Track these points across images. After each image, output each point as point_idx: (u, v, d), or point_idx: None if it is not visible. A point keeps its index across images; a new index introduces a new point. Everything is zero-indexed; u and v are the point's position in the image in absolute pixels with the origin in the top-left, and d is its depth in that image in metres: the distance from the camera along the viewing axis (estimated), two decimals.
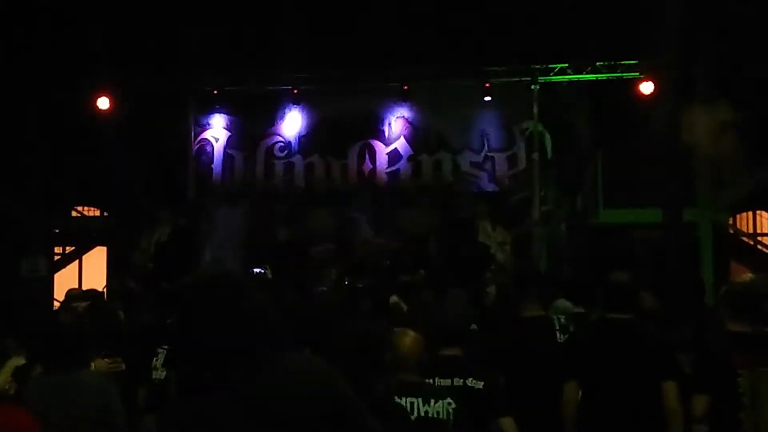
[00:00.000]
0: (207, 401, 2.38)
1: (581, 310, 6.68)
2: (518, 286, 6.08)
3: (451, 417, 4.04)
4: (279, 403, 2.37)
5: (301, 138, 14.23)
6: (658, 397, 4.82)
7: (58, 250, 15.17)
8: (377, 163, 14.05)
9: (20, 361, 5.29)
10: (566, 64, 12.96)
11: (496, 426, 4.47)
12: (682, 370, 4.95)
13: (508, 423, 4.52)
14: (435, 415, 4.02)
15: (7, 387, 5.03)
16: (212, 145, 14.31)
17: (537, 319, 5.77)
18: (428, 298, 5.99)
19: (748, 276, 5.59)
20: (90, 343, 4.85)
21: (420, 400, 4.04)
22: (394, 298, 8.50)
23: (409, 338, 4.22)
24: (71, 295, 7.34)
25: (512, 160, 13.81)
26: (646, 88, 12.45)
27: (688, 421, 4.77)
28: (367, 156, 14.07)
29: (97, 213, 15.28)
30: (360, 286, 11.54)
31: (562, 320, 5.97)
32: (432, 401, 4.04)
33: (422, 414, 4.02)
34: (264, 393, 2.37)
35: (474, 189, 13.85)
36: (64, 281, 14.31)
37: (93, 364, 5.41)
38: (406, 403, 4.01)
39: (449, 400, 4.08)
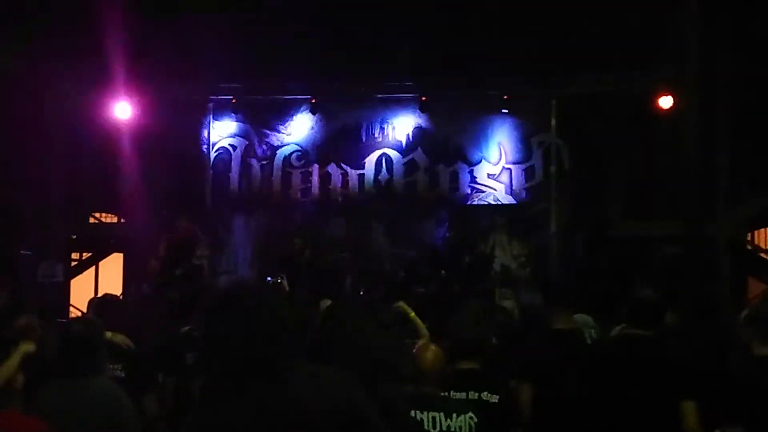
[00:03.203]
0: (226, 411, 2.39)
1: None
2: (550, 299, 6.01)
3: (473, 431, 4.02)
4: (297, 414, 2.38)
5: (319, 147, 14.26)
6: (677, 416, 4.77)
7: (75, 256, 15.22)
8: (394, 174, 14.05)
9: (30, 346, 5.25)
10: (585, 77, 12.92)
11: None
12: (702, 390, 4.88)
13: None
14: (457, 430, 4.01)
15: (14, 378, 4.97)
16: (230, 154, 14.34)
17: (569, 332, 5.72)
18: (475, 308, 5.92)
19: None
20: (103, 351, 4.85)
21: (442, 414, 4.02)
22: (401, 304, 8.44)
23: (431, 352, 4.22)
24: (93, 303, 7.34)
25: (530, 173, 13.78)
26: (665, 101, 12.41)
27: None
28: (384, 166, 14.07)
29: (115, 220, 15.34)
30: (375, 296, 11.56)
31: (593, 333, 5.95)
32: (454, 416, 4.03)
33: (444, 428, 4.00)
34: (283, 403, 2.38)
35: (491, 201, 13.82)
36: (80, 287, 14.37)
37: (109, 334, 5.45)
38: (428, 417, 4.00)
39: (471, 414, 4.06)
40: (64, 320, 8.32)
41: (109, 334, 5.50)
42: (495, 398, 4.55)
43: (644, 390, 4.86)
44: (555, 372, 5.38)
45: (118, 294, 12.80)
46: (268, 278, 11.64)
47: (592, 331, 6.03)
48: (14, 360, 5.01)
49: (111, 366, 5.53)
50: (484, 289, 11.76)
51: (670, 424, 4.78)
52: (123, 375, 5.58)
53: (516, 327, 7.48)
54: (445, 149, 14.06)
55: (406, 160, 14.03)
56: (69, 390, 4.37)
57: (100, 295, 8.06)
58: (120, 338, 5.72)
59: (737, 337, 4.94)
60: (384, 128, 14.17)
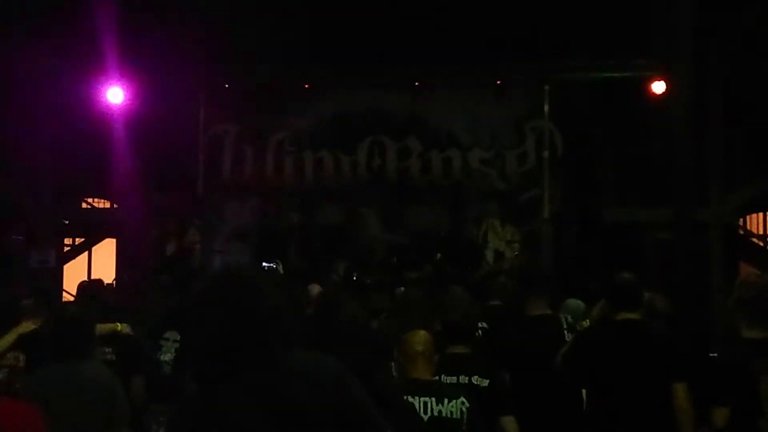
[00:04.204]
0: (218, 397, 2.39)
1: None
2: (525, 285, 6.07)
3: (465, 417, 4.01)
4: (289, 401, 2.38)
5: (312, 133, 14.24)
6: (668, 398, 4.80)
7: (67, 241, 15.20)
8: (387, 159, 14.03)
9: (30, 326, 5.27)
10: (578, 62, 12.92)
11: (498, 424, 4.46)
12: (692, 371, 4.92)
13: (509, 422, 4.51)
14: (448, 415, 4.00)
15: (11, 358, 4.99)
16: (222, 139, 14.31)
17: (544, 318, 5.77)
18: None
19: (755, 275, 5.55)
20: (95, 335, 4.87)
21: (433, 399, 4.01)
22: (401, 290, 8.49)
23: (420, 337, 4.21)
24: (83, 286, 7.36)
25: (522, 158, 13.77)
26: (658, 87, 12.41)
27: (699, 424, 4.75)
28: (376, 152, 14.05)
29: (107, 205, 15.31)
30: (368, 282, 11.60)
31: (569, 319, 5.98)
32: (446, 401, 4.01)
33: (435, 414, 3.99)
34: (275, 391, 2.38)
35: (483, 186, 13.82)
36: (73, 273, 14.36)
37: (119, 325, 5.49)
38: (419, 402, 3.98)
39: (463, 399, 4.05)
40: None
41: (119, 326, 5.55)
42: (485, 382, 4.56)
43: (636, 372, 4.90)
44: (532, 358, 5.43)
45: (111, 279, 12.84)
46: (264, 264, 11.67)
47: (569, 317, 6.05)
48: (10, 337, 5.03)
49: (102, 349, 5.55)
50: (477, 275, 11.81)
51: (661, 404, 4.81)
52: (114, 358, 5.60)
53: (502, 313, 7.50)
54: (437, 135, 14.05)
55: (398, 145, 14.01)
56: (63, 373, 4.39)
57: (87, 279, 8.08)
58: (112, 326, 5.73)
59: (726, 320, 4.98)
60: (376, 114, 14.14)
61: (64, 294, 13.28)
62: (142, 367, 5.80)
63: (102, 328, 5.46)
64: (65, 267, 14.62)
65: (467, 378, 4.53)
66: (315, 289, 7.45)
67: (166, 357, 6.21)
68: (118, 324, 5.70)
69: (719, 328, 7.08)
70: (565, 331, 5.71)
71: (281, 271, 11.36)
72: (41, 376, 4.43)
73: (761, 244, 14.55)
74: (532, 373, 5.40)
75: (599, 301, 5.49)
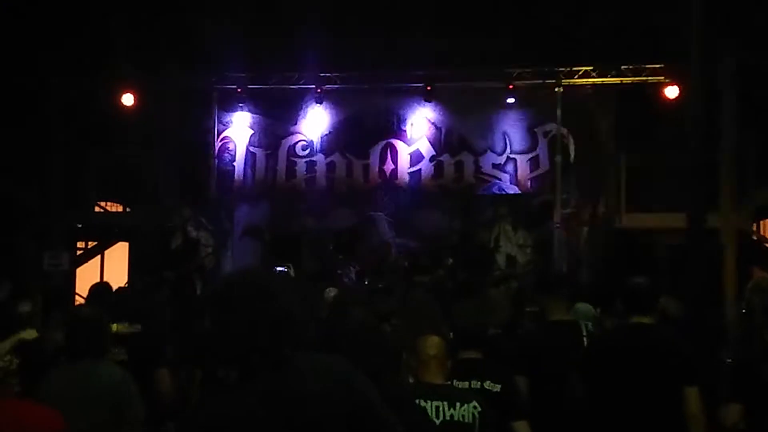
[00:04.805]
0: (231, 400, 2.40)
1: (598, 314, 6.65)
2: (545, 289, 6.00)
3: (477, 421, 4.00)
4: (302, 403, 2.38)
5: (324, 137, 14.28)
6: (679, 403, 4.77)
7: (80, 244, 15.25)
8: (399, 164, 14.06)
9: (33, 333, 5.27)
10: (591, 67, 12.90)
11: (510, 429, 4.44)
12: (704, 376, 4.89)
13: (522, 426, 4.49)
14: (460, 419, 3.98)
15: (7, 361, 4.98)
16: (235, 143, 14.37)
17: (565, 324, 5.71)
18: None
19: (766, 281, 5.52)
20: (108, 336, 4.88)
21: (445, 403, 3.99)
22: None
23: (433, 341, 4.20)
24: (95, 290, 7.36)
25: (534, 163, 13.78)
26: (671, 92, 12.39)
27: (711, 428, 4.72)
28: (389, 156, 14.09)
29: (120, 209, 15.35)
30: (379, 286, 11.57)
31: (589, 326, 5.92)
32: (458, 405, 4.00)
33: (447, 418, 3.97)
34: (288, 392, 2.38)
35: (495, 191, 13.83)
36: (86, 276, 14.39)
37: (114, 326, 5.49)
38: (431, 406, 3.97)
39: (475, 404, 4.04)
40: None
41: (114, 326, 5.54)
42: (497, 388, 4.54)
43: (647, 376, 4.87)
44: (551, 364, 5.38)
45: (123, 283, 12.87)
46: (276, 267, 11.68)
47: (590, 323, 6.00)
48: (10, 342, 5.03)
49: (113, 350, 5.54)
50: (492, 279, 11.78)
51: (673, 408, 4.79)
52: (125, 357, 5.59)
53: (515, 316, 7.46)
54: (449, 139, 14.07)
55: (410, 150, 14.03)
56: (76, 374, 4.42)
57: (99, 282, 8.06)
58: (123, 327, 5.73)
59: (741, 324, 4.94)
60: (389, 118, 14.17)
61: (77, 297, 13.32)
62: (160, 360, 5.77)
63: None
64: (78, 270, 14.66)
65: (479, 383, 4.51)
66: (331, 292, 7.45)
67: None
68: (115, 324, 5.67)
69: (732, 333, 7.04)
70: (584, 339, 5.65)
71: (293, 275, 11.36)
72: (56, 377, 4.46)
73: None
74: (550, 378, 5.35)
75: (610, 305, 5.45)
